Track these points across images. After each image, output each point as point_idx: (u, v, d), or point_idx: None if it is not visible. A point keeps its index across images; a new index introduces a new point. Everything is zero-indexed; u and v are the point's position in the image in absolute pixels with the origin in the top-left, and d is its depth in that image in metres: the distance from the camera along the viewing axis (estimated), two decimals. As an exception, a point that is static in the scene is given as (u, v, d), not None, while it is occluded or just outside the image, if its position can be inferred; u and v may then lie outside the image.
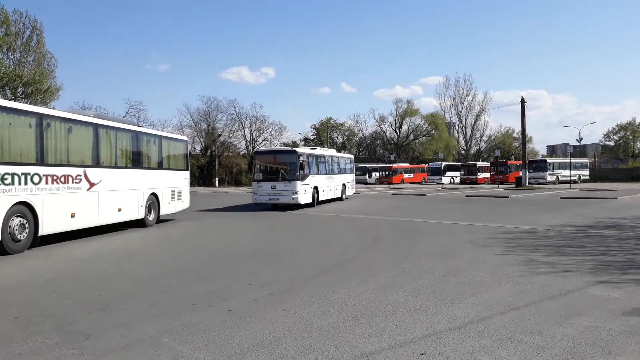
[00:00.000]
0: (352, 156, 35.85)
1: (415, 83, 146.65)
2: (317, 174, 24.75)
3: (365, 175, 62.65)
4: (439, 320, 5.44)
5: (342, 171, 29.84)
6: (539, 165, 53.53)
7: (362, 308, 5.97)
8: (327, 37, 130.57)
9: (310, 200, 23.14)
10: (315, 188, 24.02)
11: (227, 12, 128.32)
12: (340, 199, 28.36)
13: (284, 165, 22.65)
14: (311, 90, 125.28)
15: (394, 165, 65.63)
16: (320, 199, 24.95)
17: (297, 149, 24.11)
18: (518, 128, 78.46)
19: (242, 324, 5.36)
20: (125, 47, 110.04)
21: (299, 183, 21.91)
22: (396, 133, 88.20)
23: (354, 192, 32.41)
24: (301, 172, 22.20)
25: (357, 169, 64.45)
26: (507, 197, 30.26)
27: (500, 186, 47.73)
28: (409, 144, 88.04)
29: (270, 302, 6.29)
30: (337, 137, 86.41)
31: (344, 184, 29.43)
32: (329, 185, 26.76)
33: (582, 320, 5.40)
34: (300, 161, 22.35)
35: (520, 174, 43.83)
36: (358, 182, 61.67)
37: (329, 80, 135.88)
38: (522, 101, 44.11)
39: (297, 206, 22.92)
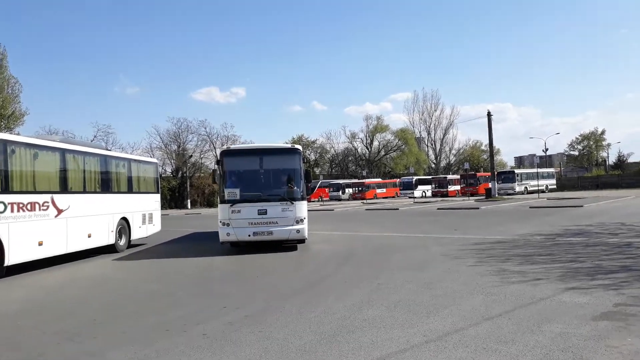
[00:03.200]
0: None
1: (385, 99, 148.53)
2: None
3: (339, 191, 62.89)
4: (414, 334, 5.47)
5: None
6: (508, 177, 54.61)
7: (339, 325, 5.96)
8: (297, 56, 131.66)
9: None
10: None
11: (195, 33, 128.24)
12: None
13: (278, 174, 14.29)
14: (282, 109, 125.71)
15: (367, 180, 65.99)
16: None
17: (299, 147, 14.81)
18: (486, 141, 79.99)
19: (217, 348, 5.29)
20: (92, 70, 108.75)
21: (304, 204, 13.73)
22: (367, 149, 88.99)
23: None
24: (304, 186, 13.96)
25: (330, 185, 65.00)
26: (478, 208, 30.72)
27: (470, 198, 48.44)
28: (381, 159, 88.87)
29: (245, 324, 6.23)
30: (309, 155, 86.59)
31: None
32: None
33: (553, 327, 5.51)
34: (305, 167, 14.12)
35: (490, 185, 44.63)
36: (332, 198, 62.38)
37: (300, 99, 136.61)
38: (489, 114, 45.12)
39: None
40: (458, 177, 63.21)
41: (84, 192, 13.70)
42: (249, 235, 13.22)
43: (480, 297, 7.13)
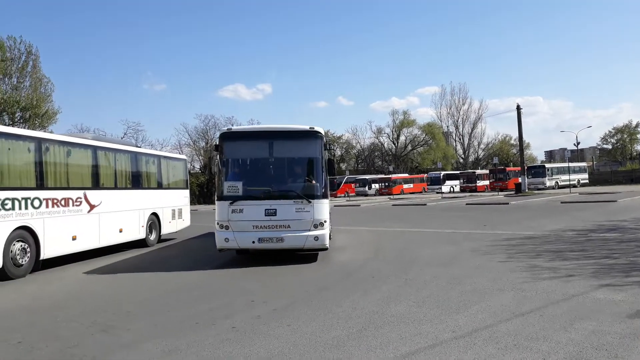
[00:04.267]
0: None
1: (411, 94, 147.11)
2: None
3: (365, 187, 62.71)
4: (443, 330, 5.43)
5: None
6: (538, 171, 53.56)
7: (367, 320, 5.95)
8: (322, 51, 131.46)
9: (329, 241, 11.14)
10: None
11: (222, 30, 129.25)
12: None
13: (293, 163, 11.52)
14: (308, 105, 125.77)
15: (393, 176, 65.63)
16: None
17: (321, 129, 11.33)
18: (515, 135, 78.99)
19: (247, 341, 5.35)
20: (121, 68, 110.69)
21: (325, 203, 10.84)
22: (394, 144, 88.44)
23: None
24: (325, 179, 11.09)
25: (356, 181, 64.84)
26: (507, 203, 30.25)
27: (500, 193, 47.73)
28: (407, 154, 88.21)
29: (273, 317, 6.28)
30: (335, 150, 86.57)
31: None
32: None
33: (587, 324, 5.40)
34: (326, 156, 11.26)
35: (520, 180, 43.86)
36: (358, 194, 62.24)
37: (326, 94, 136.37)
38: (518, 108, 44.33)
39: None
40: (487, 172, 62.29)
41: (115, 188, 13.98)
42: (253, 242, 10.44)
43: (510, 294, 7.03)
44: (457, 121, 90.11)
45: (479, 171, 64.64)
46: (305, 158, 11.21)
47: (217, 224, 10.62)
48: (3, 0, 78.48)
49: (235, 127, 11.86)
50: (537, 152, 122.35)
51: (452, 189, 60.91)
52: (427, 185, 64.18)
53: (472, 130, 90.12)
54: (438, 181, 61.45)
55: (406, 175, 70.77)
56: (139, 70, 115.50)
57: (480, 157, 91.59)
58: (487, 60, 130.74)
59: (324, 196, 10.74)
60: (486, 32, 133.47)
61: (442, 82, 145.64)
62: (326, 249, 10.86)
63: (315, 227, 10.50)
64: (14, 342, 5.65)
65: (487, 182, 58.52)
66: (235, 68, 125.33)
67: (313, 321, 6.02)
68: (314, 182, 10.79)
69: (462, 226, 17.48)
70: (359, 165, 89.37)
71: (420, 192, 62.83)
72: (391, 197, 53.99)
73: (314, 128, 11.06)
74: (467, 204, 31.75)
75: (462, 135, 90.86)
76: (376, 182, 64.37)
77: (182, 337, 5.61)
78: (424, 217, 23.39)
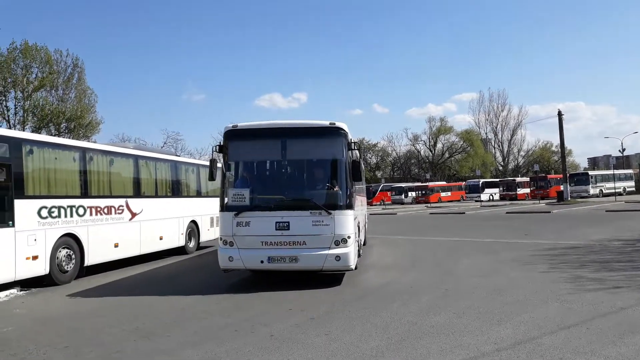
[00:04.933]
0: None
1: (448, 100, 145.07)
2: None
3: (401, 195, 62.16)
4: (485, 342, 5.30)
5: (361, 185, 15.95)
6: (581, 179, 51.94)
7: (406, 331, 5.87)
8: (357, 59, 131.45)
9: (356, 259, 9.90)
10: (357, 225, 10.83)
11: (258, 40, 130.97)
12: (364, 243, 14.45)
13: (311, 167, 9.96)
14: (343, 112, 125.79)
15: (430, 183, 64.79)
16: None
17: (344, 126, 9.55)
18: (556, 141, 76.99)
19: (285, 349, 5.35)
20: (161, 80, 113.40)
21: (349, 215, 9.14)
22: (431, 151, 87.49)
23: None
24: (350, 186, 9.31)
25: (392, 189, 64.35)
26: (549, 212, 29.46)
27: (541, 201, 46.54)
28: (445, 161, 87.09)
29: (311, 326, 6.27)
30: (370, 158, 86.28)
31: (365, 214, 17.08)
32: (362, 217, 13.98)
33: (637, 338, 5.18)
34: (351, 158, 9.42)
35: (562, 188, 42.68)
36: (394, 202, 61.74)
37: (361, 102, 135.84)
38: (560, 114, 43.23)
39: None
40: (527, 179, 60.84)
41: (156, 196, 14.28)
42: (262, 262, 8.88)
43: (554, 305, 6.81)
44: (496, 128, 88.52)
45: (519, 179, 63.21)
46: (325, 160, 9.57)
47: (221, 239, 9.19)
48: (51, 14, 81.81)
49: (241, 124, 9.61)
50: (579, 159, 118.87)
51: (491, 197, 59.71)
52: (466, 193, 63.10)
53: (511, 137, 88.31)
54: (477, 189, 60.35)
55: (443, 183, 69.82)
56: (178, 81, 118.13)
57: (520, 164, 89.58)
58: (527, 65, 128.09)
59: (348, 206, 8.98)
60: (525, 37, 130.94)
61: (480, 88, 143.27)
62: (351, 270, 9.16)
63: (337, 244, 8.76)
64: (60, 347, 5.81)
65: (527, 190, 57.15)
66: (272, 77, 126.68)
67: (351, 331, 5.98)
68: (335, 189, 9.04)
69: (502, 235, 17.10)
70: (395, 173, 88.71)
71: (458, 201, 61.87)
72: (428, 205, 53.34)
73: (335, 124, 9.25)
74: (507, 213, 31.07)
75: (501, 142, 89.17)
76: (413, 190, 63.72)
77: (221, 344, 5.65)
78: (463, 226, 22.99)
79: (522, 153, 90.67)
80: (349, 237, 8.85)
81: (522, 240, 15.13)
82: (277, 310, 7.24)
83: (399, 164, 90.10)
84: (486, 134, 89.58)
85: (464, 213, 33.37)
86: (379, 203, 59.73)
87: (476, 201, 55.23)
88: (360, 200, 13.23)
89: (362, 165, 12.58)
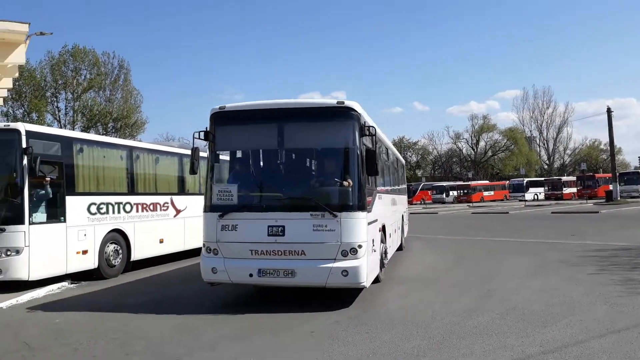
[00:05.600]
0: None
1: (491, 98, 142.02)
2: (382, 187, 10.10)
3: (442, 194, 61.29)
4: (530, 344, 5.18)
5: (398, 183, 14.57)
6: (632, 178, 49.88)
7: (447, 331, 5.80)
8: (398, 56, 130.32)
9: (377, 271, 8.48)
10: (383, 229, 9.48)
11: (298, 40, 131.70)
12: (399, 248, 13.53)
13: (314, 156, 8.49)
14: (382, 111, 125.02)
15: (473, 182, 63.60)
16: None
17: (356, 105, 7.53)
18: (605, 139, 74.29)
19: (326, 346, 5.37)
20: (202, 79, 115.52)
21: (360, 218, 7.20)
22: (473, 150, 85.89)
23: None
24: (363, 181, 7.36)
25: (433, 187, 63.53)
26: (598, 212, 28.48)
27: (588, 201, 44.99)
28: (487, 160, 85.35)
29: (351, 324, 6.27)
30: (410, 157, 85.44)
31: (403, 215, 14.88)
32: (394, 220, 12.12)
33: (693, 344, 4.95)
34: (365, 146, 7.57)
35: (611, 187, 41.15)
36: (435, 201, 60.92)
37: (401, 100, 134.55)
38: (609, 111, 41.65)
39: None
40: (574, 178, 58.98)
41: (199, 193, 14.54)
42: (251, 275, 7.20)
43: (603, 308, 6.59)
44: (541, 125, 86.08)
45: (565, 178, 61.37)
46: (332, 149, 7.72)
47: (204, 246, 7.60)
48: (99, 16, 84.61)
49: (230, 104, 7.79)
50: (630, 157, 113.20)
51: (535, 197, 58.13)
52: (509, 192, 61.63)
53: (557, 135, 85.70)
54: (521, 188, 58.83)
55: (486, 182, 68.44)
56: (219, 80, 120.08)
57: (566, 163, 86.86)
58: (573, 61, 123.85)
59: (360, 207, 7.11)
60: (571, 31, 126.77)
61: (524, 85, 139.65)
62: (362, 287, 7.22)
63: (345, 255, 6.91)
64: (108, 338, 6.02)
65: (574, 190, 55.40)
66: (311, 76, 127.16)
67: (391, 329, 5.95)
68: (345, 183, 7.18)
69: (547, 236, 16.63)
70: (436, 172, 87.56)
71: (502, 200, 60.53)
72: (470, 204, 52.41)
73: (344, 102, 7.42)
74: (552, 213, 30.21)
75: (546, 140, 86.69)
76: (454, 189, 62.76)
77: (262, 339, 5.73)
78: (506, 225, 22.50)
79: (569, 151, 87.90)
80: (359, 247, 6.95)
81: (569, 241, 14.68)
82: (317, 307, 7.22)
83: (440, 163, 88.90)
84: (530, 131, 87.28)
85: (507, 213, 32.65)
86: (419, 202, 59.08)
87: (520, 200, 53.87)
88: (390, 200, 11.47)
89: (388, 154, 11.85)
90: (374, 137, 7.48)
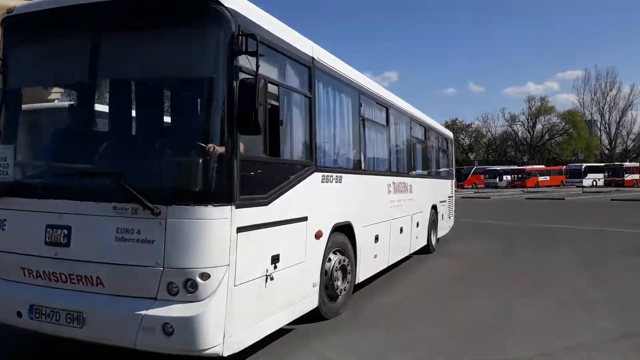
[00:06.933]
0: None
1: (550, 79, 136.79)
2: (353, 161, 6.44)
3: (496, 178, 59.84)
4: (586, 333, 5.10)
5: (429, 164, 11.37)
6: (701, 165, 47.21)
7: (500, 318, 5.78)
8: (453, 36, 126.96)
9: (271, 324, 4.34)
10: (350, 236, 5.93)
11: (349, 19, 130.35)
12: (426, 250, 10.42)
13: (144, 95, 4.66)
14: (436, 92, 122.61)
15: (528, 167, 61.72)
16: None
17: None
18: (674, 123, 70.09)
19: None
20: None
21: (212, 219, 3.57)
22: (529, 133, 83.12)
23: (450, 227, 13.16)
24: (231, 143, 3.69)
25: (485, 171, 62.07)
26: (662, 201, 27.17)
27: (652, 189, 42.93)
28: (544, 144, 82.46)
29: (399, 310, 6.32)
30: (463, 139, 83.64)
31: (436, 207, 11.17)
32: (406, 213, 8.60)
33: None
34: (245, 78, 3.71)
35: (678, 174, 39.07)
36: (487, 185, 59.49)
37: (455, 80, 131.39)
38: (679, 93, 39.30)
39: None
40: (637, 164, 56.28)
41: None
42: (19, 315, 3.89)
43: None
44: (603, 108, 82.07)
45: (627, 164, 58.57)
46: (177, 80, 4.49)
47: None
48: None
49: (23, 5, 4.53)
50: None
51: (594, 183, 55.90)
52: (566, 178, 59.51)
53: (620, 119, 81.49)
54: (579, 174, 56.67)
55: (542, 166, 66.26)
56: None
57: (629, 148, 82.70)
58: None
59: (214, 196, 3.65)
60: (637, 10, 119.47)
61: (585, 66, 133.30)
62: (210, 356, 3.61)
63: (173, 291, 3.56)
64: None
65: (636, 177, 52.95)
66: (361, 56, 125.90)
67: (442, 315, 5.97)
68: (192, 152, 3.77)
69: (606, 224, 16.02)
70: (489, 155, 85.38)
71: (558, 186, 58.56)
72: (524, 189, 50.96)
73: None
74: (612, 200, 29.05)
75: (608, 124, 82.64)
76: (508, 174, 61.08)
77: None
78: (562, 212, 21.84)
79: (632, 136, 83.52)
80: (204, 277, 3.55)
81: (631, 230, 14.13)
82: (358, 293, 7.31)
83: (493, 146, 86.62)
84: (591, 115, 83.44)
85: (563, 199, 31.63)
86: (471, 186, 57.95)
87: (577, 186, 51.92)
88: (393, 187, 7.85)
89: (389, 116, 7.84)
90: (280, 55, 4.51)
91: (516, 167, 63.31)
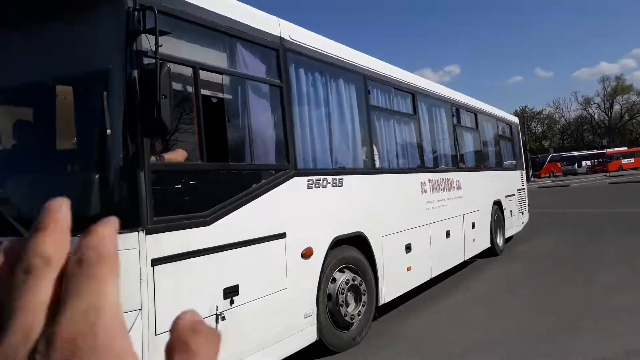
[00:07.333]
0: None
1: (626, 56, 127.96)
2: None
3: (574, 165, 56.86)
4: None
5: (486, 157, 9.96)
6: None
7: (585, 310, 5.44)
8: (513, 20, 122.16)
9: None
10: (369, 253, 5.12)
11: (408, 16, 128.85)
12: (494, 252, 9.30)
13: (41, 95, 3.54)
14: (501, 82, 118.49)
15: (609, 150, 58.18)
16: None
17: None
18: None
19: (452, 327, 5.31)
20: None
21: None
22: (606, 115, 78.40)
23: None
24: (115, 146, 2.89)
25: (562, 159, 59.08)
26: None
27: None
28: (624, 125, 77.51)
29: (476, 304, 6.12)
30: (535, 127, 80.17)
31: (501, 202, 9.94)
32: (451, 214, 7.34)
33: None
34: (150, 71, 2.81)
35: None
36: (565, 173, 56.47)
37: (520, 68, 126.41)
38: None
39: None
40: None
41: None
42: None
43: None
44: (689, 80, 76.16)
45: None
46: (65, 79, 3.47)
47: None
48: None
49: None
50: None
51: (686, 161, 51.85)
52: (653, 158, 55.62)
53: None
54: (667, 153, 52.84)
55: (624, 148, 62.20)
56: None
57: None
58: None
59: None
60: None
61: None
62: None
63: None
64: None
65: None
66: (421, 52, 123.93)
67: (522, 308, 5.72)
68: (78, 168, 3.40)
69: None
70: (565, 142, 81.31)
71: (644, 168, 54.82)
72: (607, 174, 47.99)
73: None
74: None
75: (698, 98, 76.60)
76: (587, 159, 57.86)
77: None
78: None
79: None
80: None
81: None
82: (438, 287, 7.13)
83: (568, 132, 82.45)
84: (678, 89, 77.63)
85: (651, 181, 29.53)
86: (548, 175, 55.37)
87: (667, 167, 48.38)
88: (455, 182, 7.62)
89: (417, 104, 6.78)
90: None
91: (595, 152, 59.90)
